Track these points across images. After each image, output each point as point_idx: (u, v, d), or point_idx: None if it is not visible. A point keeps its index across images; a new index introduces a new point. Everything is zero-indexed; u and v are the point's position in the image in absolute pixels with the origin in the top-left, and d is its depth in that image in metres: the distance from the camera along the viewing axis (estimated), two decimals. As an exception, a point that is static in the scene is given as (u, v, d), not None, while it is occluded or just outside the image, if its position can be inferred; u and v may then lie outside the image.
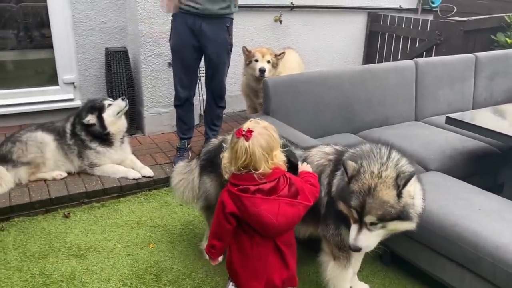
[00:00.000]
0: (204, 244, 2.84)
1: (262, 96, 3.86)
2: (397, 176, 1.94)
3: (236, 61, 4.18)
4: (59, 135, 3.63)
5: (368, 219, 1.94)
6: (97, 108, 3.61)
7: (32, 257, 2.79)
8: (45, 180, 3.54)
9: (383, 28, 6.01)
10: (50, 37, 4.47)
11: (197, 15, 3.55)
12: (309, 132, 3.17)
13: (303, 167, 2.15)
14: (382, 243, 2.74)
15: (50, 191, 3.38)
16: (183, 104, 3.91)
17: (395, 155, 2.06)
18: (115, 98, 4.36)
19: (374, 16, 6.06)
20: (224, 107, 4.12)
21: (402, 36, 5.84)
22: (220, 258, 2.09)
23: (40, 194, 3.34)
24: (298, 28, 5.57)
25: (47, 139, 3.56)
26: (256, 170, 1.83)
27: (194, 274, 2.70)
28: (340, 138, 3.44)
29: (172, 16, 3.72)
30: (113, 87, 4.41)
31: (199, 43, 3.67)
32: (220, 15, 3.59)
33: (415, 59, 4.17)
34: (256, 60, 3.97)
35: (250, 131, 1.84)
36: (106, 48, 4.49)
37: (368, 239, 1.99)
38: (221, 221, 1.90)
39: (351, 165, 1.99)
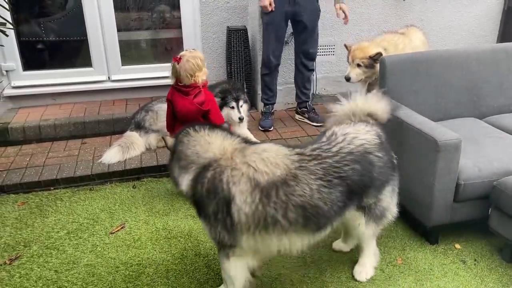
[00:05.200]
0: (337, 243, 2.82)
1: (374, 88, 3.80)
2: None
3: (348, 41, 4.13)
4: None
5: None
6: (224, 98, 3.67)
7: (157, 213, 3.16)
8: (169, 147, 3.94)
9: (526, 3, 5.30)
10: (179, 18, 4.87)
11: None
12: (428, 114, 2.98)
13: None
14: (503, 237, 2.53)
15: (174, 157, 3.75)
16: (272, 72, 4.32)
17: None
18: (233, 75, 4.63)
19: (515, -11, 5.37)
20: (313, 70, 4.47)
21: (549, 12, 5.10)
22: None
23: (166, 159, 3.72)
24: (423, 5, 5.19)
25: (174, 111, 3.93)
26: (181, 81, 2.98)
27: (299, 245, 2.80)
28: (463, 123, 3.20)
29: None
30: (232, 64, 4.65)
31: (293, 13, 4.07)
32: None
33: None
34: (349, 63, 3.95)
35: (180, 58, 2.91)
36: (228, 27, 4.73)
37: None
38: (167, 106, 3.15)
39: None
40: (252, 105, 4.90)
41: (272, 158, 2.00)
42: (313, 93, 4.73)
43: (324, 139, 2.17)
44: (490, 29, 5.61)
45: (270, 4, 4.02)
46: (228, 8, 4.82)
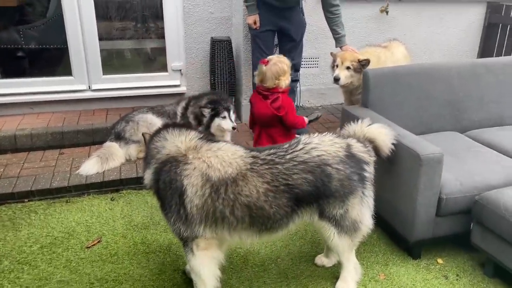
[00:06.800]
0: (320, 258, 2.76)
1: (357, 94, 3.81)
2: None
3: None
4: (169, 117, 3.91)
5: None
6: (215, 108, 3.67)
7: (136, 227, 3.07)
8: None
9: (505, 20, 5.42)
10: (162, 28, 4.82)
11: (279, 7, 4.00)
12: (410, 128, 2.99)
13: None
14: (485, 252, 2.52)
15: (154, 169, 3.67)
16: None
17: None
18: (217, 86, 4.60)
19: (494, 6, 5.49)
20: (298, 80, 4.47)
21: (527, 29, 5.22)
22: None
23: (146, 171, 3.64)
24: (406, 19, 5.27)
25: (156, 121, 3.86)
26: (265, 83, 3.19)
27: (280, 260, 2.74)
28: (445, 137, 3.21)
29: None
30: (216, 75, 4.61)
31: (281, 27, 4.11)
32: (297, 2, 4.09)
33: (541, 53, 3.71)
34: (337, 66, 3.90)
35: (267, 61, 3.16)
36: (212, 38, 4.70)
37: None
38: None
39: None
40: (236, 116, 4.85)
41: (226, 157, 2.09)
42: (297, 105, 4.71)
43: (286, 145, 2.21)
44: (471, 45, 5.72)
45: (254, 23, 4.07)
46: (212, 19, 4.80)
